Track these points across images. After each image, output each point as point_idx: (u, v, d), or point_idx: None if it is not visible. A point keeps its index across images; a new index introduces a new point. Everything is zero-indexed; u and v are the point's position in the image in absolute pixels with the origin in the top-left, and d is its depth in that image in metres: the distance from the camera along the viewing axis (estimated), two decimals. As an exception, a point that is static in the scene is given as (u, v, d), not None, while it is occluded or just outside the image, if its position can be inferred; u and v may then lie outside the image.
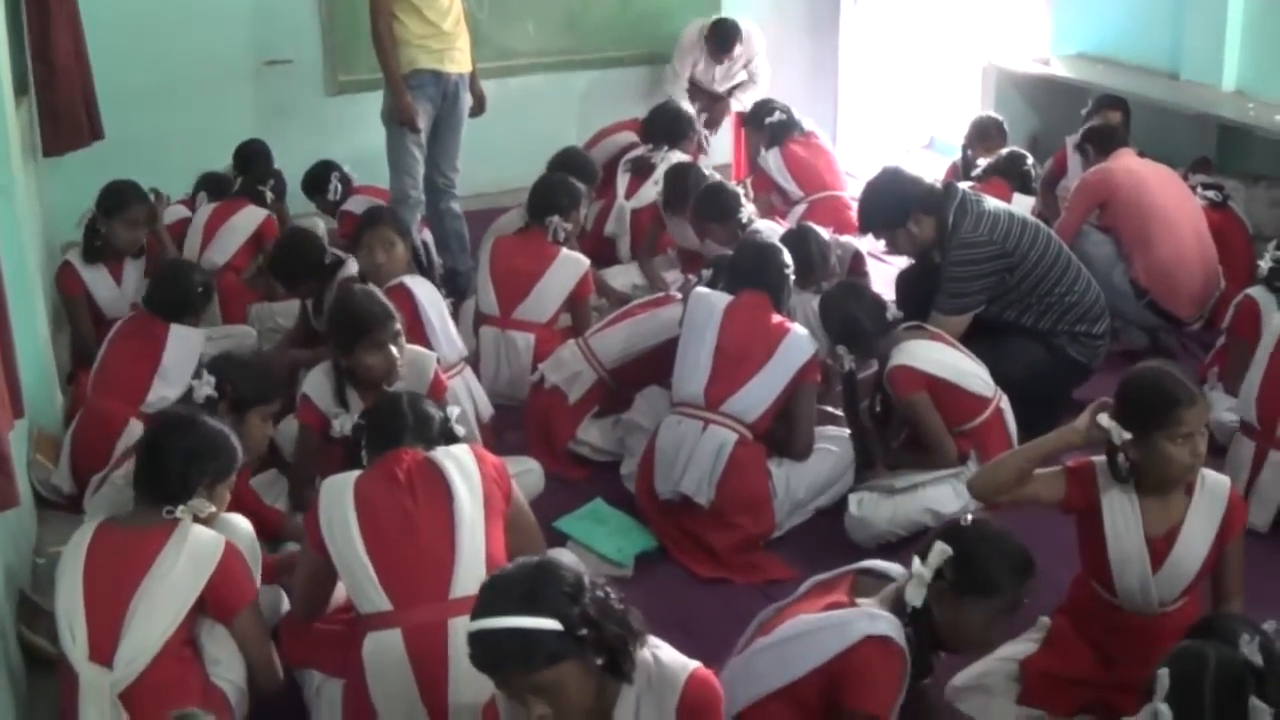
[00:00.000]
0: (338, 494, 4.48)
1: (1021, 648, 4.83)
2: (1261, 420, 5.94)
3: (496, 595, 3.50)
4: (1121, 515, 4.56)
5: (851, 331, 6.04)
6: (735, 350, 5.96)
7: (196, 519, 4.49)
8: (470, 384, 6.60)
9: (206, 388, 5.27)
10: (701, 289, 6.33)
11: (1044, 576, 5.06)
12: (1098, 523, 4.59)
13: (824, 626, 3.96)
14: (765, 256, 6.34)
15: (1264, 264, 6.59)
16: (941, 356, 6.02)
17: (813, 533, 6.02)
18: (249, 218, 8.34)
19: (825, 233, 7.47)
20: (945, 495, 5.80)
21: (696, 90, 11.14)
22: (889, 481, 5.98)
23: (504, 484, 4.63)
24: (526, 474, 5.86)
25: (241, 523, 4.75)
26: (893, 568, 4.13)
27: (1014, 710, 4.61)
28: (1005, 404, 6.09)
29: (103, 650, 4.25)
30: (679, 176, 8.39)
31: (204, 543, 4.42)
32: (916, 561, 3.95)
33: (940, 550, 3.92)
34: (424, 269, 7.60)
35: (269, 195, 8.67)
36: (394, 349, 5.58)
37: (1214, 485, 4.62)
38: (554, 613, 3.40)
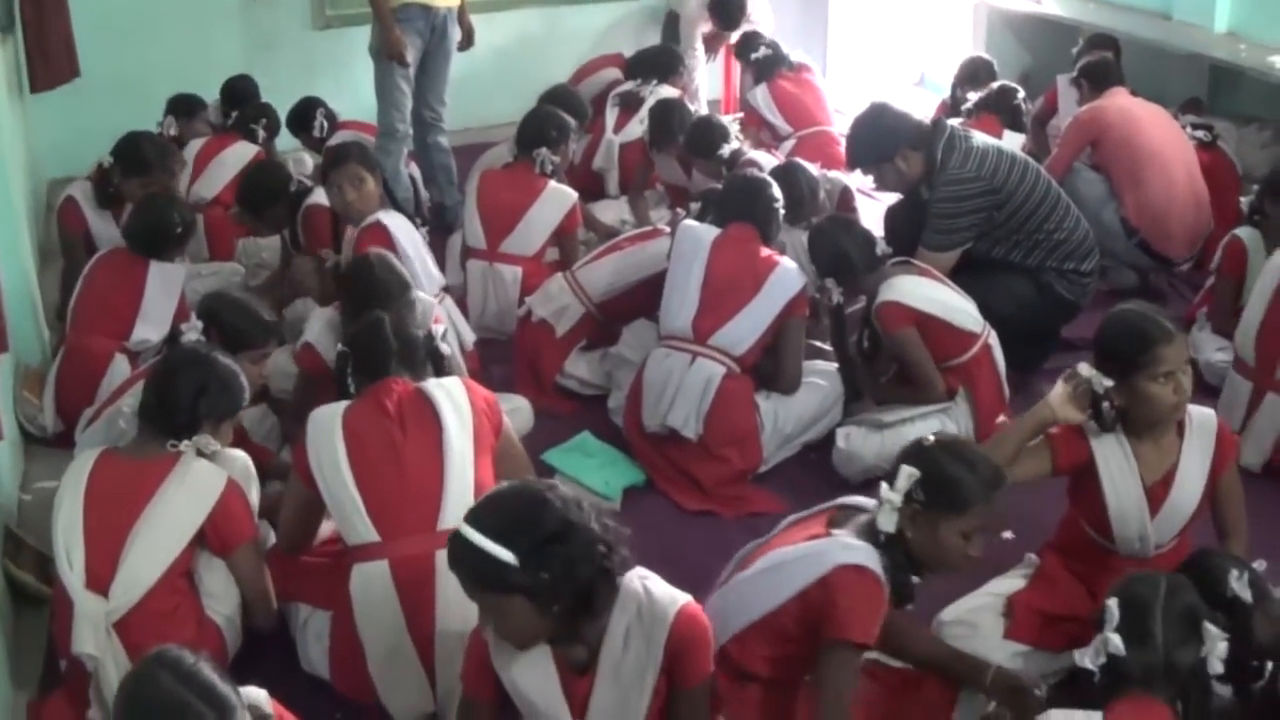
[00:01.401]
0: (326, 426, 4.48)
1: (1009, 583, 4.83)
2: (1260, 361, 5.92)
3: (485, 507, 3.55)
4: (1117, 467, 4.55)
5: (840, 265, 6.02)
6: (723, 283, 5.95)
7: (200, 454, 4.49)
8: (451, 312, 6.55)
9: (194, 332, 5.26)
10: (689, 222, 6.32)
11: (1032, 514, 5.11)
12: (1093, 478, 4.58)
13: (799, 557, 3.94)
14: (754, 190, 6.31)
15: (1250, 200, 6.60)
16: (929, 292, 5.98)
17: (800, 467, 6.03)
18: (239, 153, 8.29)
19: (814, 168, 7.45)
20: (933, 429, 5.75)
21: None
22: (877, 416, 5.98)
23: (494, 417, 4.63)
24: (516, 411, 5.84)
25: (242, 458, 4.75)
26: (870, 503, 4.07)
27: (1001, 645, 4.59)
28: (994, 339, 6.06)
29: (99, 579, 4.26)
30: (664, 114, 8.36)
31: (206, 477, 4.43)
32: (885, 487, 3.91)
33: (907, 473, 3.87)
34: (395, 203, 7.59)
35: (260, 133, 8.64)
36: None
37: (1201, 420, 4.61)
38: (518, 550, 3.42)
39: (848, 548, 3.88)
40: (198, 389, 4.57)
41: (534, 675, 3.68)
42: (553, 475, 5.63)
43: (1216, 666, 3.47)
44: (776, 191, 6.32)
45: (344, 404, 4.60)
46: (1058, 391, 4.59)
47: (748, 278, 5.95)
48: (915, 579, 3.99)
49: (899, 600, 3.98)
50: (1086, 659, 3.48)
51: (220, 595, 4.52)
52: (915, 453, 3.96)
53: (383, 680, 4.36)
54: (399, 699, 4.37)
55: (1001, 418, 5.89)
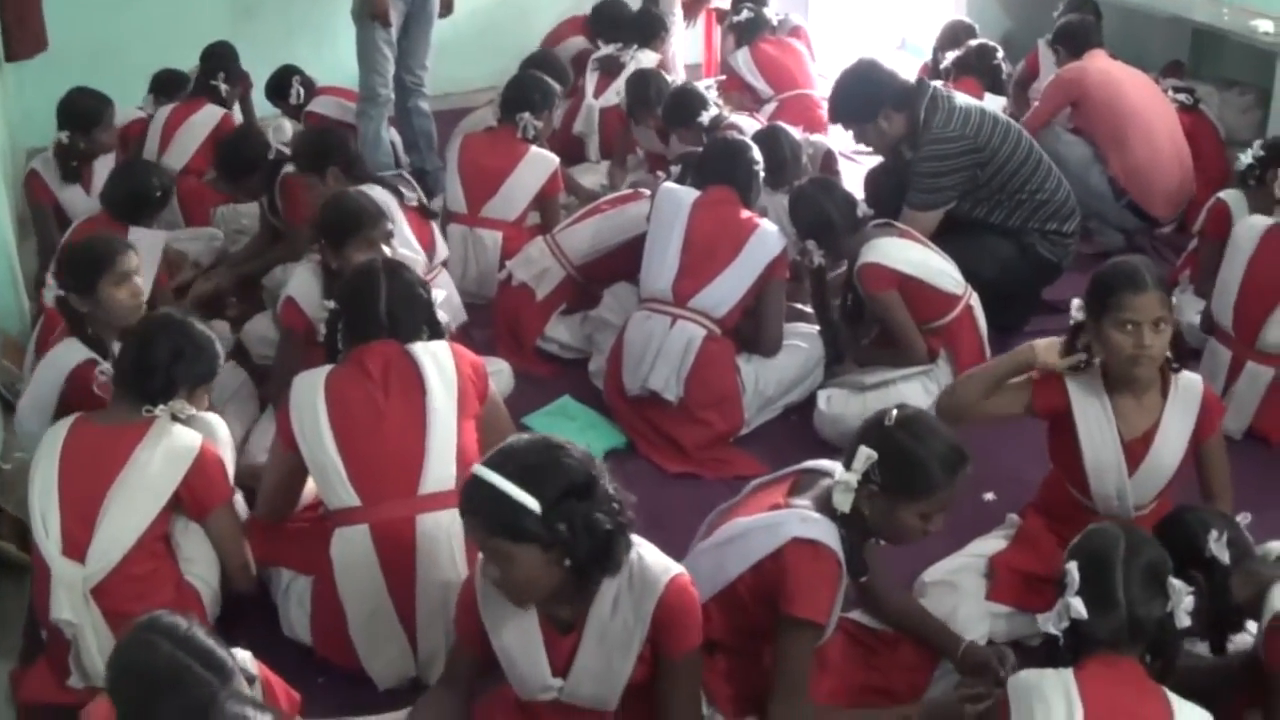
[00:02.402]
0: (309, 389, 4.46)
1: (991, 544, 4.83)
2: (1239, 329, 5.92)
3: (505, 454, 3.51)
4: (1094, 418, 4.55)
5: (821, 227, 6.01)
6: (703, 245, 5.94)
7: (175, 418, 4.47)
8: (449, 287, 6.53)
9: (50, 291, 5.29)
10: (669, 184, 6.31)
11: (1014, 475, 5.11)
12: (1070, 428, 4.58)
13: (755, 528, 3.93)
14: (734, 153, 6.29)
15: (1244, 159, 6.59)
16: (911, 254, 5.98)
17: (782, 429, 6.04)
18: (206, 118, 8.24)
19: (796, 132, 7.44)
20: (915, 392, 5.76)
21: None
22: (859, 378, 5.98)
23: (480, 382, 4.61)
24: (497, 375, 5.74)
25: (219, 423, 4.73)
26: (835, 467, 4.02)
27: (983, 606, 4.60)
28: (975, 301, 6.07)
29: (76, 545, 4.24)
30: (640, 86, 8.35)
31: (181, 440, 4.40)
32: (840, 469, 3.88)
33: (865, 455, 3.82)
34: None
35: (223, 89, 8.56)
36: (385, 249, 5.46)
37: (1188, 384, 4.60)
38: (541, 497, 3.39)
39: (805, 520, 3.85)
40: (173, 354, 4.54)
41: (517, 630, 3.68)
42: (533, 439, 5.64)
43: (1183, 620, 3.46)
44: (757, 154, 6.31)
45: (328, 367, 4.58)
46: (1045, 340, 4.60)
47: (728, 240, 5.94)
48: (880, 541, 4.00)
49: (855, 573, 3.96)
50: (1049, 624, 3.47)
51: (198, 559, 4.50)
52: (874, 433, 3.89)
53: (364, 644, 4.36)
54: (380, 663, 4.37)
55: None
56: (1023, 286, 6.73)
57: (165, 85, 8.79)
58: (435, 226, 6.64)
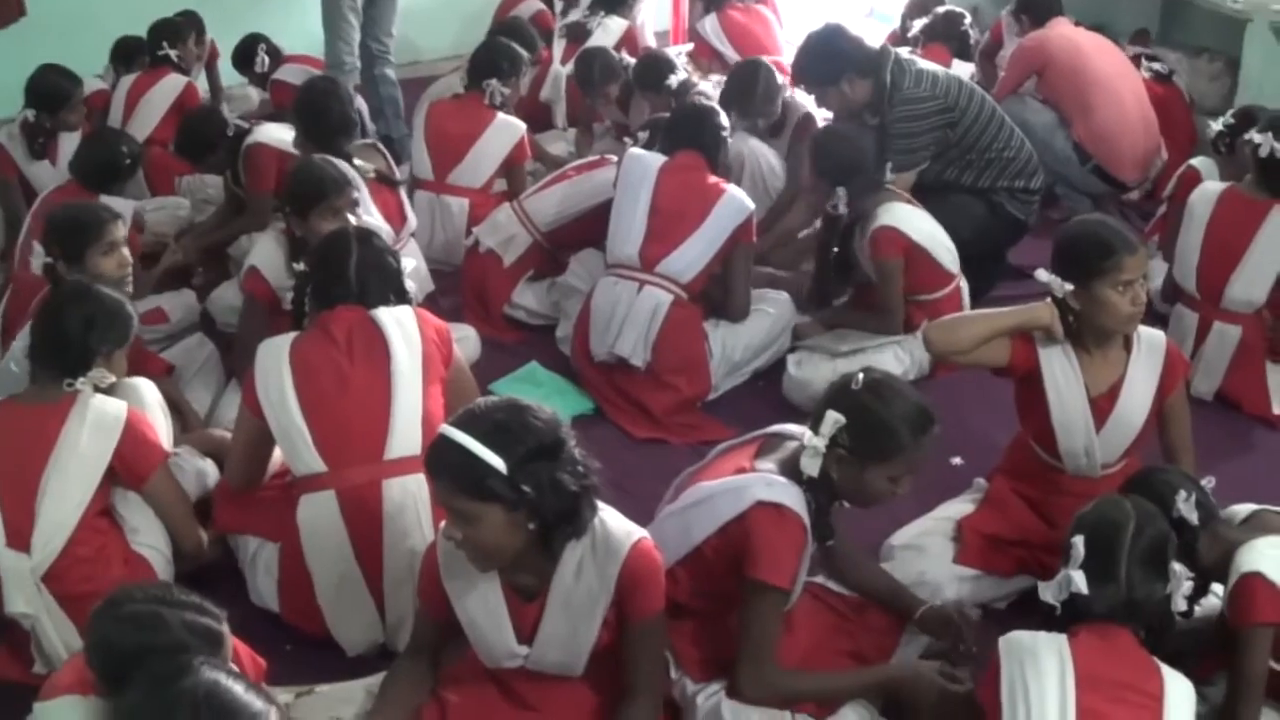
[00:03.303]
0: (274, 355, 4.44)
1: (959, 508, 4.85)
2: (1203, 290, 5.95)
3: (476, 412, 3.51)
4: (1063, 376, 4.55)
5: (853, 174, 6.01)
6: (670, 210, 5.93)
7: (97, 389, 4.44)
8: (417, 258, 6.47)
9: (37, 259, 5.27)
10: (636, 150, 6.30)
11: (982, 439, 5.13)
12: (1038, 385, 4.58)
13: (720, 492, 3.92)
14: (701, 117, 6.28)
15: (1215, 126, 6.65)
16: (924, 225, 6.03)
17: (749, 394, 6.05)
18: (167, 87, 8.18)
19: (783, 79, 7.47)
20: (888, 360, 5.78)
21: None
22: (830, 344, 5.99)
23: (445, 347, 4.60)
24: (463, 341, 5.73)
25: (146, 386, 4.71)
26: (801, 431, 4.00)
27: (951, 570, 4.61)
28: (964, 285, 6.13)
29: (20, 534, 4.20)
30: (585, 64, 8.36)
31: (106, 412, 4.37)
32: (809, 433, 3.86)
33: (833, 419, 3.80)
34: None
35: (173, 55, 8.45)
36: (351, 218, 5.43)
37: (1150, 339, 4.61)
38: (508, 456, 3.39)
39: (770, 484, 3.85)
40: (85, 323, 4.48)
41: (480, 598, 3.68)
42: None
43: (1181, 604, 3.48)
44: (724, 120, 6.30)
45: (293, 334, 4.56)
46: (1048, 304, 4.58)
47: (694, 205, 5.93)
48: (844, 504, 4.00)
49: (820, 537, 3.97)
50: (1049, 594, 3.47)
51: (144, 529, 4.49)
52: (842, 397, 3.88)
53: (331, 611, 4.36)
54: (348, 629, 4.37)
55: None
56: (992, 246, 6.73)
57: (125, 54, 8.76)
58: (403, 196, 6.59)
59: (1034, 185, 6.80)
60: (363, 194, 5.95)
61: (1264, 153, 5.80)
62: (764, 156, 7.19)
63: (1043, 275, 4.54)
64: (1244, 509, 4.02)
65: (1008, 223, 6.74)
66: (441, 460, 3.46)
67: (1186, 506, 3.78)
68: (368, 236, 4.78)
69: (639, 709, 3.73)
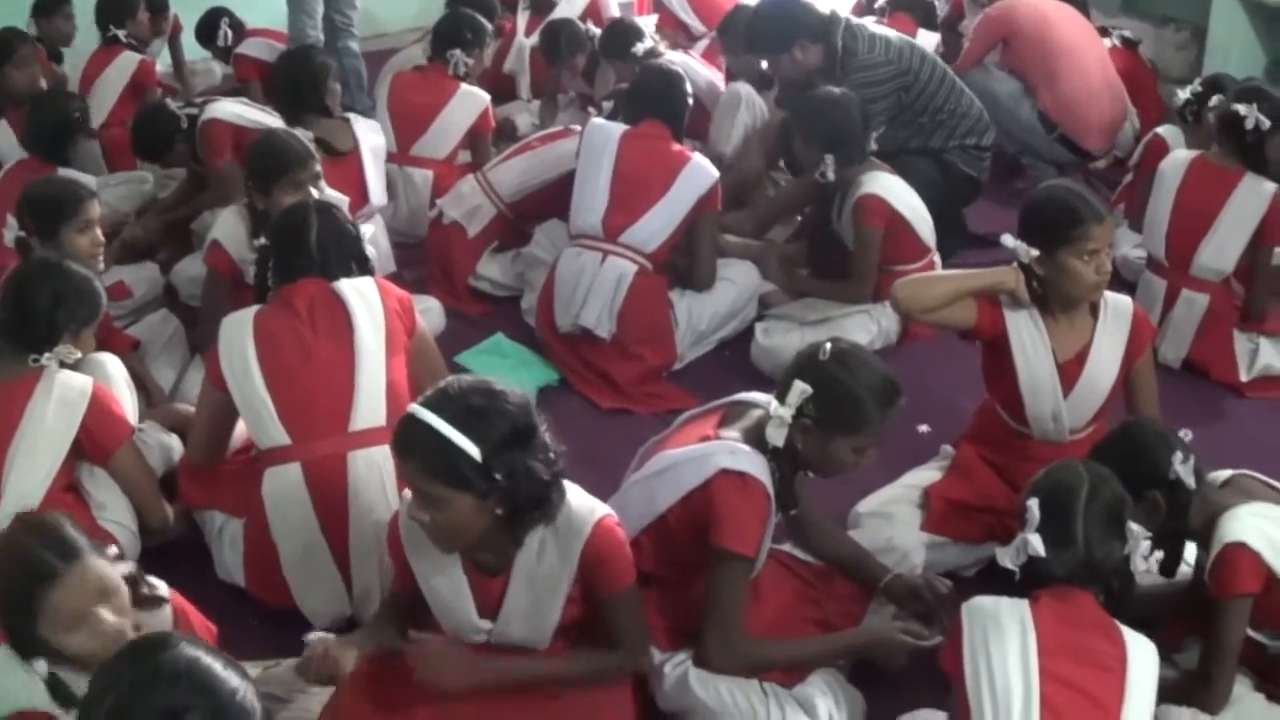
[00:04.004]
0: (238, 329, 4.42)
1: (926, 475, 4.85)
2: (1172, 258, 5.98)
3: (449, 394, 3.46)
4: (1030, 341, 4.55)
5: (843, 140, 5.99)
6: (633, 179, 5.92)
7: (63, 365, 4.42)
8: (380, 235, 6.44)
9: (10, 232, 5.23)
10: (598, 120, 6.29)
11: (949, 406, 5.13)
12: (1005, 351, 4.58)
13: (684, 461, 3.92)
14: (667, 82, 6.26)
15: (1183, 95, 6.68)
16: (908, 196, 6.04)
17: (716, 364, 6.04)
18: (122, 67, 8.06)
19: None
20: (856, 329, 5.78)
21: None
22: (799, 312, 5.99)
23: (408, 317, 4.58)
24: (427, 312, 5.76)
25: (112, 362, 4.70)
26: (765, 399, 4.01)
27: (918, 537, 4.60)
28: (938, 260, 6.14)
29: None
30: (550, 37, 8.39)
31: (72, 387, 4.36)
32: (775, 403, 3.85)
33: (799, 389, 3.80)
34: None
35: (123, 36, 8.26)
36: (314, 191, 5.37)
37: (1117, 305, 4.63)
38: (482, 443, 3.36)
39: (733, 452, 3.84)
40: (54, 299, 4.47)
41: (442, 573, 3.67)
42: (465, 378, 5.62)
43: (1139, 564, 3.48)
44: (689, 86, 6.29)
45: (256, 307, 4.54)
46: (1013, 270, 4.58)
47: (658, 174, 5.92)
48: (809, 474, 3.99)
49: (785, 506, 3.98)
50: (1007, 559, 3.46)
51: (110, 504, 4.49)
52: (808, 367, 3.87)
53: (297, 583, 4.34)
54: (314, 602, 4.35)
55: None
56: (948, 206, 6.71)
57: (42, 7, 8.70)
58: (369, 172, 6.51)
59: (984, 142, 6.86)
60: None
61: (1249, 124, 5.81)
62: (759, 106, 7.19)
63: (1009, 241, 4.54)
64: (1222, 473, 4.00)
65: (960, 180, 6.79)
66: (413, 442, 3.42)
67: (1184, 468, 3.78)
68: (327, 208, 4.77)
69: (610, 655, 3.74)
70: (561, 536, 3.58)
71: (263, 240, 4.83)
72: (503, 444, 3.38)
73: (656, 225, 5.85)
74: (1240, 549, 3.68)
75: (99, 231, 5.25)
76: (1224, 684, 3.80)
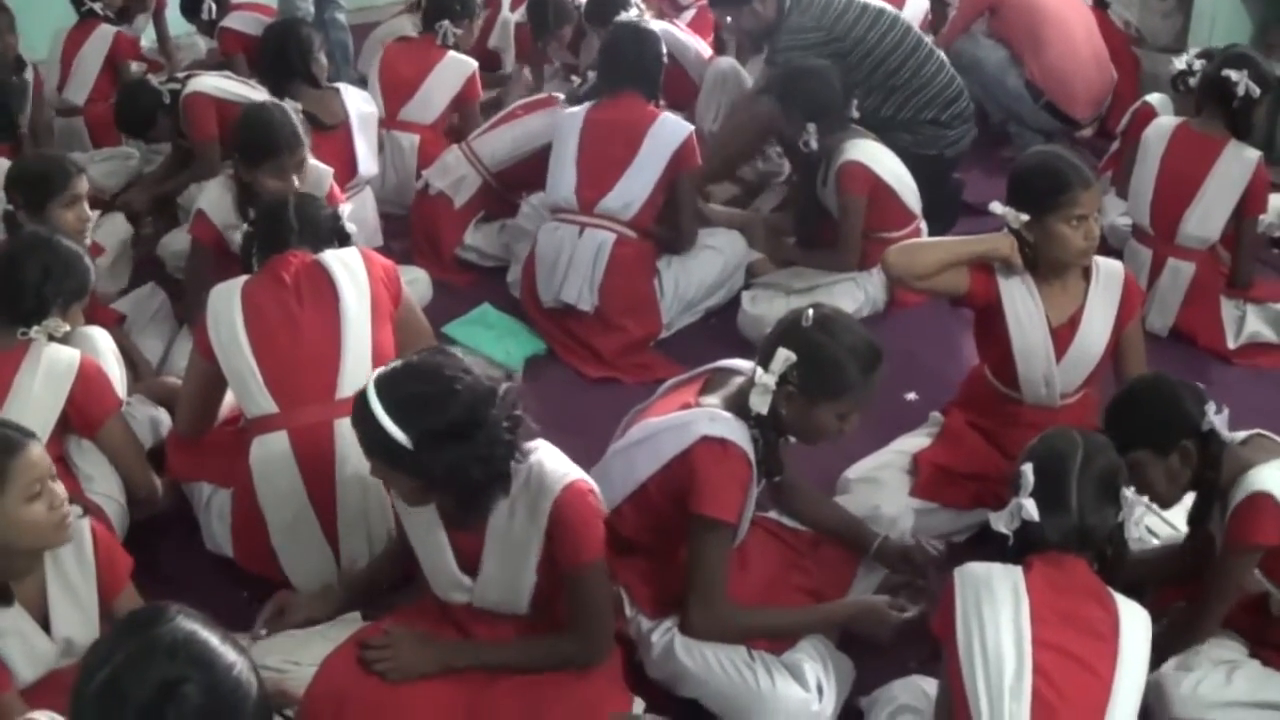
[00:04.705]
0: (225, 299, 4.43)
1: (915, 442, 4.87)
2: (1157, 226, 5.99)
3: (397, 377, 3.49)
4: (1023, 306, 4.56)
5: (824, 110, 5.96)
6: (599, 149, 5.92)
7: (51, 338, 4.42)
8: (369, 208, 6.51)
9: None
10: (568, 110, 6.27)
11: (937, 374, 5.13)
12: (999, 316, 4.58)
13: (665, 428, 3.92)
14: (639, 39, 6.22)
15: (1178, 64, 6.66)
16: (891, 164, 6.04)
17: (702, 332, 6.04)
18: (98, 42, 8.05)
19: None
20: (842, 297, 5.77)
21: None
22: (786, 281, 5.99)
23: (393, 285, 4.59)
24: (414, 283, 5.79)
25: (100, 335, 4.69)
26: (747, 365, 4.02)
27: (906, 502, 4.60)
28: (924, 226, 6.14)
29: None
30: (538, 10, 8.32)
31: (59, 359, 4.35)
32: (759, 371, 3.84)
33: (783, 356, 3.78)
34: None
35: (98, 9, 8.24)
36: (295, 178, 5.37)
37: (1109, 269, 4.63)
38: (413, 435, 3.39)
39: (714, 419, 3.84)
40: (43, 272, 4.47)
41: (422, 525, 3.72)
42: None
43: (1133, 531, 3.48)
44: (663, 48, 6.26)
45: (244, 278, 4.54)
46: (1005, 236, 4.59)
47: (624, 138, 5.92)
48: (791, 440, 3.99)
49: (769, 473, 3.99)
50: (1001, 523, 3.45)
51: (98, 476, 4.48)
52: (791, 334, 3.86)
53: (285, 552, 4.34)
54: (303, 570, 4.34)
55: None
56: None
57: None
58: (359, 143, 6.48)
59: (944, 117, 6.72)
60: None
61: (1239, 91, 5.82)
62: (746, 82, 7.18)
63: (997, 208, 4.55)
64: (1241, 433, 3.99)
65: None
66: (358, 419, 3.48)
67: (1220, 419, 3.78)
68: (305, 196, 4.85)
69: (556, 643, 3.75)
70: (532, 497, 3.58)
71: (246, 227, 4.86)
72: (436, 437, 3.40)
73: (631, 191, 5.84)
74: (1268, 498, 3.68)
75: (86, 207, 5.24)
76: (1211, 626, 3.86)
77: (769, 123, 6.39)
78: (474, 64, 7.31)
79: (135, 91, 6.99)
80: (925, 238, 5.34)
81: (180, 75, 7.02)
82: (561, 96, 6.72)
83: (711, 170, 6.65)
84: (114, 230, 6.44)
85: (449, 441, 3.40)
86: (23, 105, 7.19)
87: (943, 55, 6.83)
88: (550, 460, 3.63)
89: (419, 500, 3.59)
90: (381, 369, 3.55)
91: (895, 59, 6.59)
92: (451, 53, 7.26)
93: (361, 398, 3.45)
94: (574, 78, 7.15)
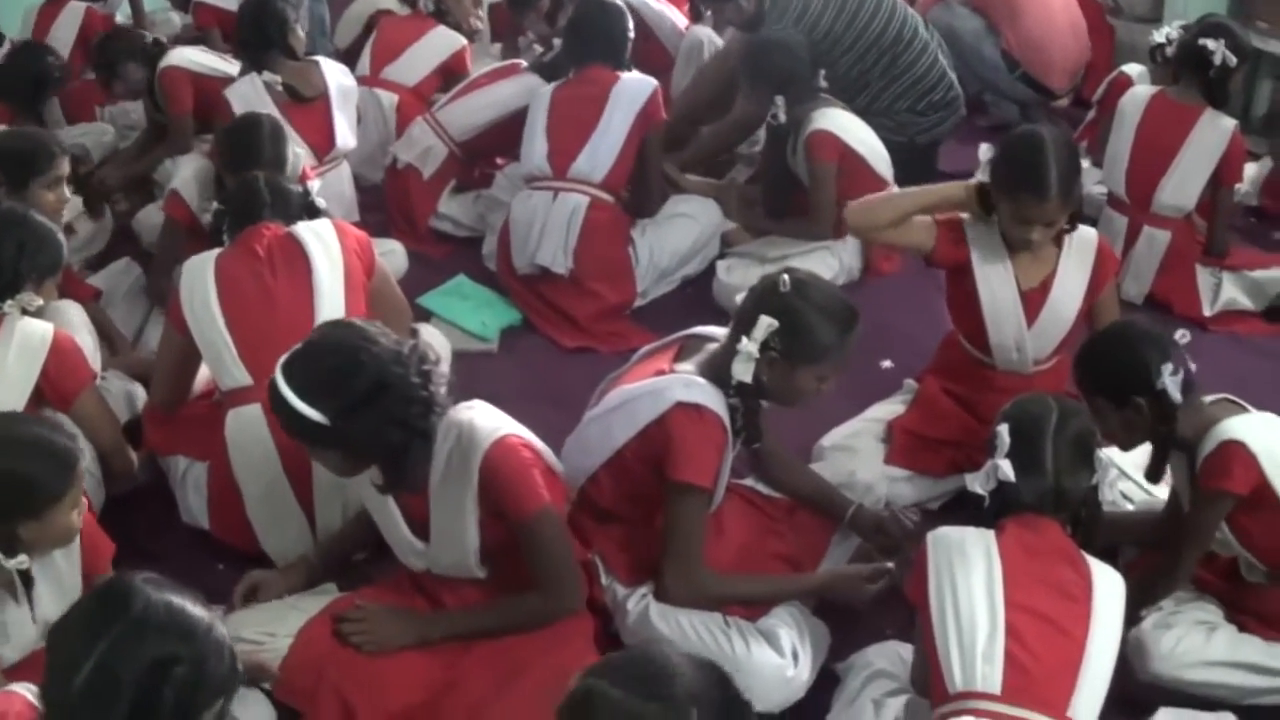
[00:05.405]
0: (199, 271, 4.43)
1: (889, 409, 4.88)
2: (1133, 195, 6.00)
3: (300, 360, 3.55)
4: (993, 269, 4.56)
5: (790, 81, 5.97)
6: (568, 115, 5.94)
7: (25, 312, 4.38)
8: (346, 182, 6.47)
9: None
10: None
11: (912, 342, 5.14)
12: (969, 278, 4.59)
13: (639, 395, 3.92)
14: (604, 10, 6.21)
15: (1157, 37, 6.68)
16: (861, 132, 6.03)
17: (678, 301, 6.03)
18: (69, 19, 8.03)
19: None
20: (817, 265, 5.68)
21: None
22: (760, 250, 5.98)
23: (366, 256, 4.60)
24: (389, 255, 5.77)
25: (74, 309, 4.70)
26: (720, 332, 4.04)
27: (881, 470, 4.63)
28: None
29: None
30: None
31: (32, 333, 4.32)
32: (744, 339, 3.81)
33: (766, 324, 3.78)
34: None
35: None
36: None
37: (1082, 236, 4.63)
38: (327, 411, 3.45)
39: (688, 385, 3.84)
40: (17, 248, 4.43)
41: (374, 495, 3.76)
42: (429, 319, 5.64)
43: (1107, 494, 3.49)
44: (628, 21, 6.24)
45: (217, 250, 4.54)
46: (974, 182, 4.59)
47: (588, 102, 5.94)
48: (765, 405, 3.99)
49: (749, 439, 3.99)
50: (977, 484, 3.47)
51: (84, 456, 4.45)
52: (771, 300, 3.85)
53: (261, 525, 4.34)
54: (278, 542, 4.34)
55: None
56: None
57: None
58: (337, 115, 6.38)
59: (920, 106, 6.77)
60: (272, 113, 5.83)
61: (1216, 60, 5.84)
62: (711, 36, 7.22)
63: (984, 152, 4.55)
64: (1209, 396, 3.99)
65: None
66: (274, 406, 3.56)
67: (1172, 382, 3.77)
68: (275, 179, 4.80)
69: (523, 600, 3.78)
70: (463, 452, 3.61)
71: (217, 204, 4.87)
72: (350, 409, 3.46)
73: (601, 152, 5.85)
74: (1239, 446, 3.71)
75: (66, 190, 5.22)
76: (1184, 574, 3.90)
77: (732, 76, 6.39)
78: (464, 40, 7.33)
79: (117, 31, 6.97)
80: (883, 192, 5.33)
81: (163, 39, 7.01)
82: (524, 63, 6.74)
83: (672, 125, 6.63)
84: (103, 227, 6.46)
85: (362, 409, 3.47)
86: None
87: (929, 38, 6.83)
88: (482, 418, 3.67)
89: (351, 472, 3.66)
90: (286, 354, 3.58)
91: (872, 55, 6.62)
92: (442, 26, 7.30)
93: (273, 385, 3.50)
94: (536, 47, 7.14)
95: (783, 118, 5.96)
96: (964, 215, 4.61)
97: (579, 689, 2.46)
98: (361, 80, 6.99)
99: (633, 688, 2.42)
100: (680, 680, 2.42)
